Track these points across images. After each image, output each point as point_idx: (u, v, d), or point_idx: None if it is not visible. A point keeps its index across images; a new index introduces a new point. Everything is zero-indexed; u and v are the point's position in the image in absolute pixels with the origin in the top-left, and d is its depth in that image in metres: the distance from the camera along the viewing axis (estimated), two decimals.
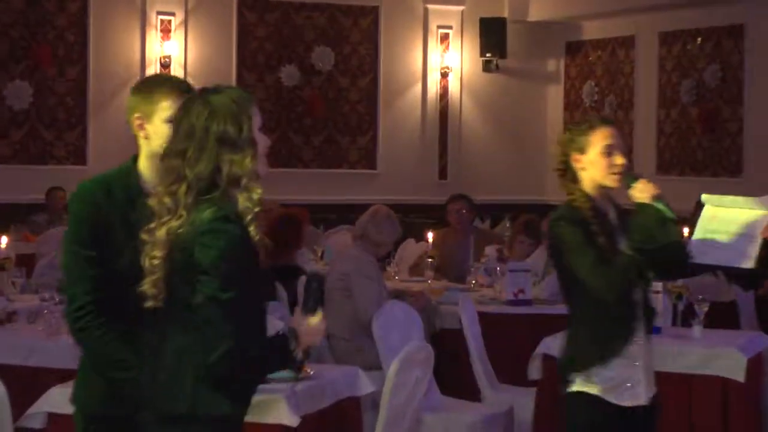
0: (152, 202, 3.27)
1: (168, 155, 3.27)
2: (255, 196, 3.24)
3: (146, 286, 3.28)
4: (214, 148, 3.21)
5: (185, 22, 13.46)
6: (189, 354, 3.21)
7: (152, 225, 3.26)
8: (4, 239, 8.60)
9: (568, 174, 4.42)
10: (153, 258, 3.26)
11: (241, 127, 3.23)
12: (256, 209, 3.24)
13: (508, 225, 11.62)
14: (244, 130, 3.23)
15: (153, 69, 13.18)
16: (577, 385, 4.35)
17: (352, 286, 7.23)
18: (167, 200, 3.23)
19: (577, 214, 4.33)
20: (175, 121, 3.31)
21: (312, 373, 5.08)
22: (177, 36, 13.40)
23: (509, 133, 14.97)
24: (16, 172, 12.80)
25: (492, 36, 14.42)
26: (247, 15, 13.79)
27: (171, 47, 13.34)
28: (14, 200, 12.57)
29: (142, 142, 3.73)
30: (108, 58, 13.11)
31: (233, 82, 13.25)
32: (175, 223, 3.22)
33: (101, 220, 3.63)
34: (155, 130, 3.67)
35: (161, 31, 13.33)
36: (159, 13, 13.35)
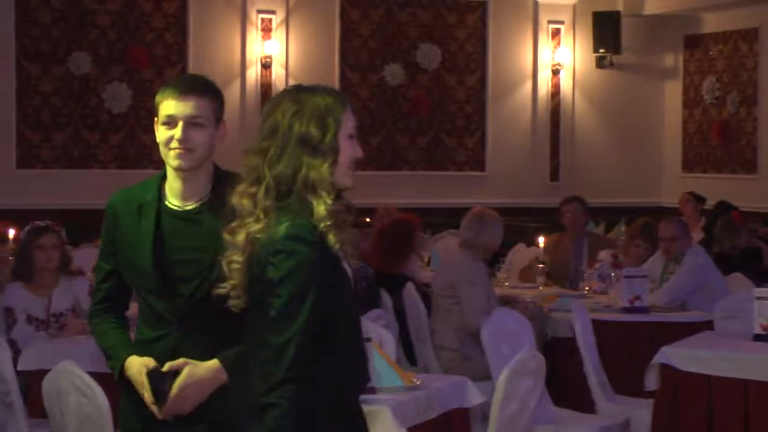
0: (234, 200, 3.17)
1: (249, 152, 3.16)
2: (329, 205, 3.11)
3: (224, 289, 3.19)
4: (297, 149, 3.10)
5: (286, 21, 13.31)
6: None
7: (234, 224, 3.16)
8: None
9: None
10: (232, 262, 3.16)
11: (325, 131, 3.12)
12: (331, 220, 3.10)
13: (623, 229, 11.49)
14: (328, 135, 3.12)
15: (254, 69, 13.14)
16: None
17: (459, 294, 7.17)
18: (246, 202, 3.14)
19: None
20: (262, 116, 3.21)
21: (419, 383, 5.08)
22: (278, 35, 13.25)
23: (624, 133, 14.75)
24: (114, 176, 12.59)
25: (606, 30, 14.28)
26: (350, 12, 13.65)
27: (272, 47, 13.17)
28: None
29: None
30: (207, 59, 12.93)
31: (336, 81, 13.23)
32: (254, 227, 3.12)
33: (116, 233, 3.70)
34: (158, 134, 3.64)
35: (262, 30, 13.20)
36: (259, 11, 13.21)
